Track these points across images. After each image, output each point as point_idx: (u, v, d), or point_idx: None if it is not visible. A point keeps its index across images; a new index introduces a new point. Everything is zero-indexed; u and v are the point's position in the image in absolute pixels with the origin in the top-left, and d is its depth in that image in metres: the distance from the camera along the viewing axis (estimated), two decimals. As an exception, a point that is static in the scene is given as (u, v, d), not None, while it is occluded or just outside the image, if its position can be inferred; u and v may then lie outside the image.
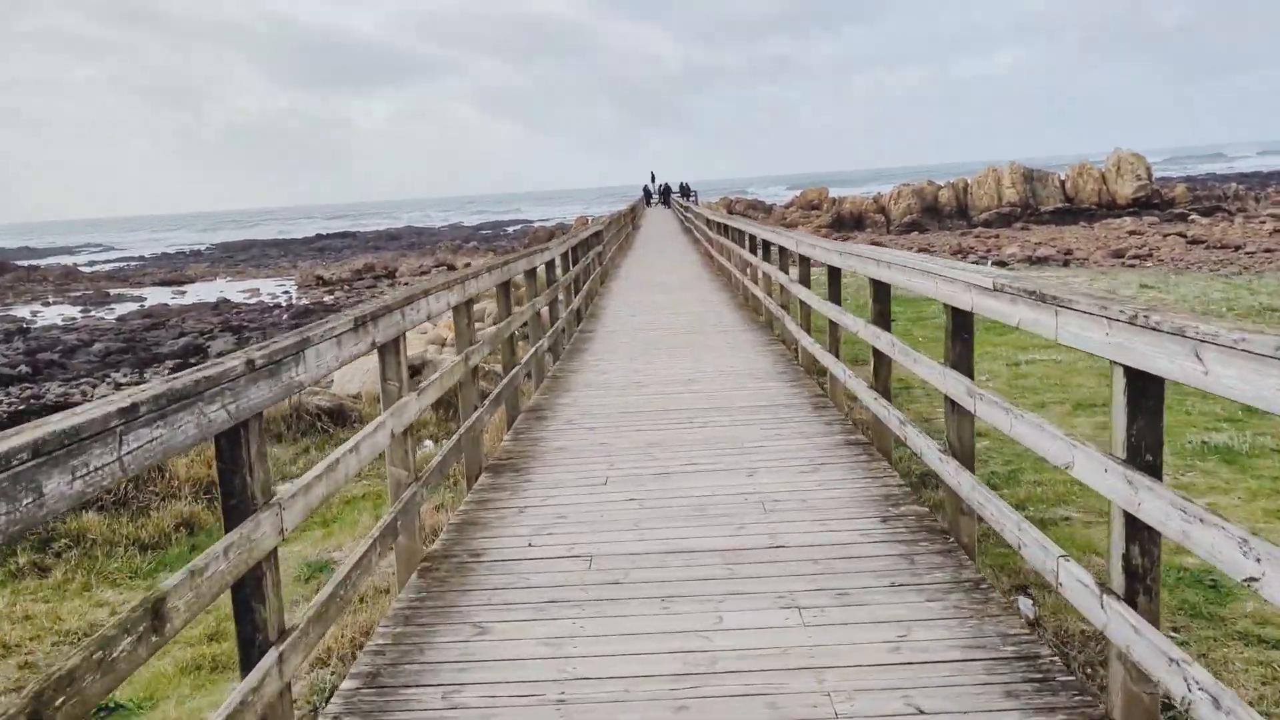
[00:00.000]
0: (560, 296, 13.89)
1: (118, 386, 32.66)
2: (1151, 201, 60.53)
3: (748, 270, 17.57)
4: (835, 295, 9.22)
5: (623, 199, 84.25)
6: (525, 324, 10.85)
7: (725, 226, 20.79)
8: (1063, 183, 61.96)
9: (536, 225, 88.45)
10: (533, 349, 10.73)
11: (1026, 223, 59.48)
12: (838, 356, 9.20)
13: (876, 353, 7.62)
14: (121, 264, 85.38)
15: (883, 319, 7.48)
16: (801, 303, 11.10)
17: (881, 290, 7.55)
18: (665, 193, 73.45)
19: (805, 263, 10.94)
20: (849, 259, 8.35)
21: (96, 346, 40.26)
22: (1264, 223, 52.90)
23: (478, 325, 15.14)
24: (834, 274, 9.16)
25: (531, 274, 11.18)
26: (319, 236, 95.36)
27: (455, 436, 7.11)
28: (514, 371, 9.28)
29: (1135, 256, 44.83)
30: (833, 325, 9.25)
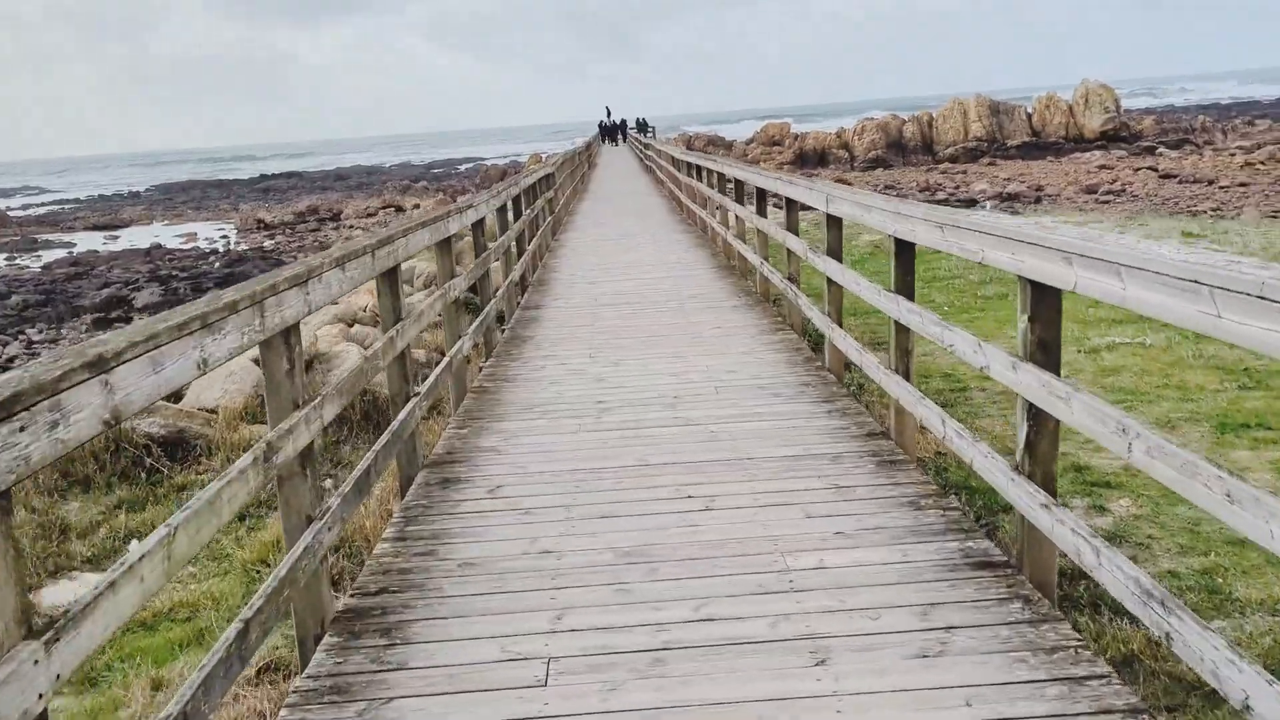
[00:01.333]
0: (496, 263, 10.36)
1: (30, 345, 28.90)
2: (1119, 135, 57.53)
3: (729, 221, 14.11)
4: (907, 284, 5.76)
5: (578, 135, 79.53)
6: (436, 320, 7.35)
7: (697, 168, 17.24)
8: (1029, 116, 58.72)
9: (489, 164, 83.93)
10: (446, 359, 7.21)
11: (993, 157, 56.31)
12: (908, 378, 5.79)
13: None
14: (56, 207, 79.86)
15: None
16: (830, 285, 7.63)
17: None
18: (622, 129, 69.22)
19: (837, 224, 7.45)
20: (914, 224, 4.98)
21: (14, 299, 36.35)
22: (1234, 155, 50.30)
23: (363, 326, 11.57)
24: (903, 247, 5.70)
25: (445, 245, 7.63)
26: (263, 177, 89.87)
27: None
28: (405, 412, 5.77)
29: (1109, 193, 42.04)
30: (899, 330, 5.81)
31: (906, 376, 5.75)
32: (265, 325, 3.67)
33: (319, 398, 4.17)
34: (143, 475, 7.53)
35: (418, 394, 6.06)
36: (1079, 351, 9.66)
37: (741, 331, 9.42)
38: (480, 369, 8.91)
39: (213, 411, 8.68)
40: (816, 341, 9.45)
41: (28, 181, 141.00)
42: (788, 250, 9.34)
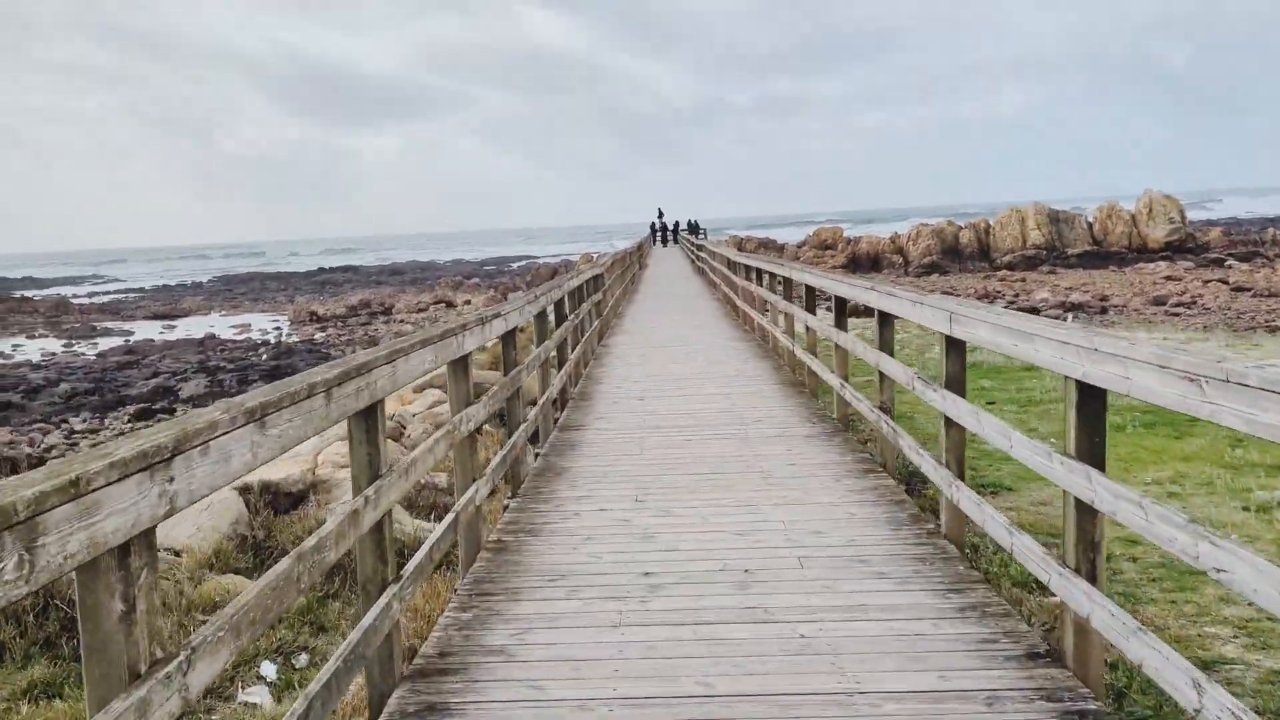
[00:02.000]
0: (531, 375, 8.73)
1: (71, 435, 27.86)
2: (1185, 246, 55.45)
3: (794, 330, 12.43)
4: (1096, 449, 3.92)
5: (628, 235, 78.89)
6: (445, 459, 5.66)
7: (757, 271, 15.64)
8: (1090, 225, 56.96)
9: (541, 262, 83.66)
10: (452, 513, 5.48)
11: (1053, 266, 54.48)
12: (1094, 581, 3.91)
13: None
14: (119, 295, 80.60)
15: None
16: (949, 426, 5.75)
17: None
18: (674, 230, 68.46)
19: (960, 348, 5.66)
20: (1128, 367, 3.21)
21: (62, 386, 35.71)
22: (1307, 269, 48.14)
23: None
24: (1091, 395, 3.89)
25: (460, 366, 5.99)
26: (321, 270, 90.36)
27: None
28: (378, 609, 4.02)
29: (1178, 304, 39.92)
30: (1083, 513, 3.93)
31: (1094, 580, 3.89)
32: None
33: (182, 655, 2.44)
34: (68, 647, 5.84)
35: (399, 580, 4.32)
36: (1244, 508, 7.68)
37: (822, 471, 7.60)
38: (505, 506, 7.20)
39: (178, 554, 7.02)
40: (909, 480, 7.64)
41: (97, 271, 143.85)
42: (880, 374, 7.58)
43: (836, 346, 9.27)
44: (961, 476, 5.74)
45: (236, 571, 6.81)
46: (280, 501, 7.78)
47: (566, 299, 12.44)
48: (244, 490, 7.65)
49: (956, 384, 5.74)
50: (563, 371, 10.72)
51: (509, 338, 7.76)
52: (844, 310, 9.26)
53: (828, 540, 5.93)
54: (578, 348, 12.48)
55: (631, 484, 7.44)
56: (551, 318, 10.57)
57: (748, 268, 17.03)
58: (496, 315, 6.89)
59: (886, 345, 7.54)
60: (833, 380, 9.30)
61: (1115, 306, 41.29)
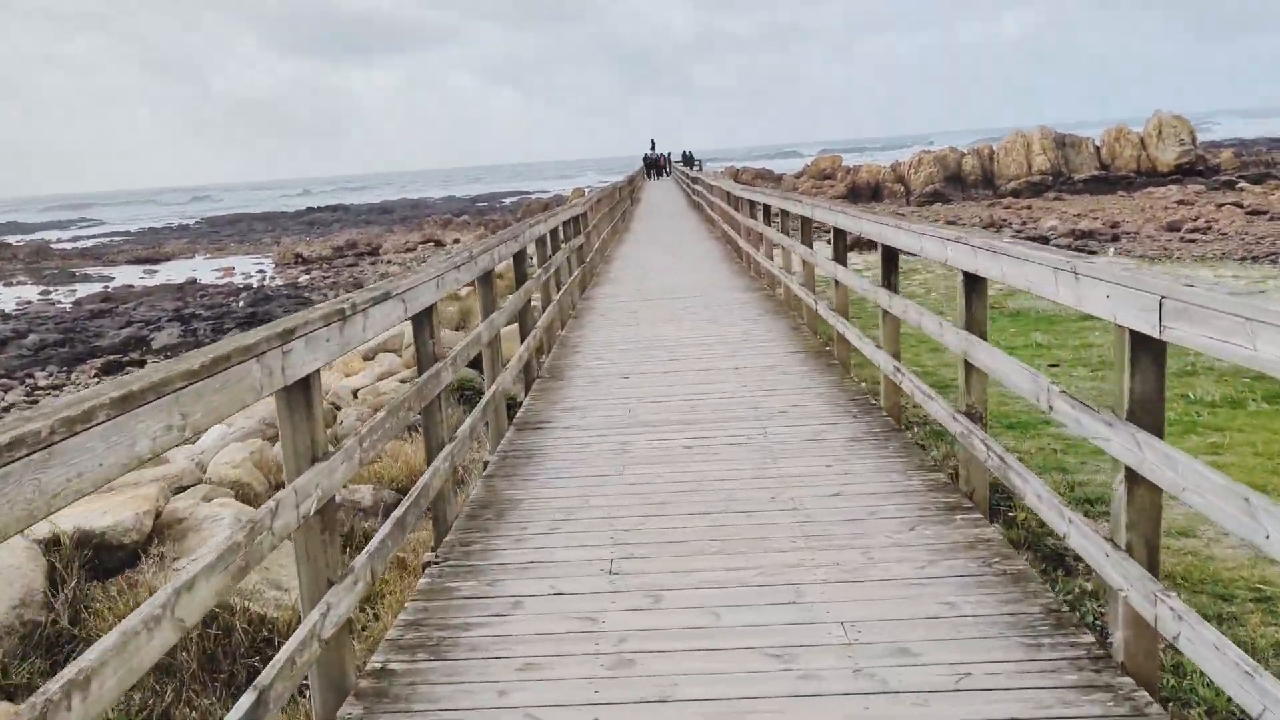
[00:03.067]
0: (453, 375, 6.17)
1: (33, 391, 25.45)
2: (1195, 168, 52.48)
3: (813, 281, 9.84)
4: None
5: (623, 168, 75.32)
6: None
7: (764, 208, 12.93)
8: (1098, 149, 53.90)
9: (534, 197, 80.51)
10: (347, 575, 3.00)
11: (1059, 192, 51.56)
12: None
13: None
14: (104, 240, 77.53)
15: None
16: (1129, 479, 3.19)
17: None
18: (666, 162, 65.19)
19: (1156, 357, 3.14)
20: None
21: (31, 338, 33.23)
22: (1323, 191, 45.35)
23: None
24: None
25: (298, 394, 3.46)
26: (310, 210, 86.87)
27: None
28: None
29: (1193, 230, 37.18)
30: None
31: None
32: None
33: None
34: None
35: None
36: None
37: (884, 509, 5.04)
38: (425, 565, 4.74)
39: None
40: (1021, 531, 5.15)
41: (85, 214, 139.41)
42: (967, 367, 5.02)
43: (886, 314, 6.67)
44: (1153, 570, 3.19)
45: (10, 696, 4.35)
46: (106, 559, 5.29)
47: (536, 246, 9.80)
48: (51, 544, 5.15)
49: (1151, 418, 3.19)
50: (525, 345, 8.12)
51: (424, 319, 5.18)
52: (894, 264, 6.67)
53: (924, 672, 3.42)
54: (548, 310, 9.87)
55: (604, 536, 4.90)
56: (512, 270, 7.98)
57: (752, 204, 14.31)
58: (385, 296, 4.30)
59: (977, 324, 4.97)
60: (881, 360, 6.72)
61: (1128, 234, 38.66)
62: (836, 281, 8.49)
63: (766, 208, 12.97)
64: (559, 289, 11.59)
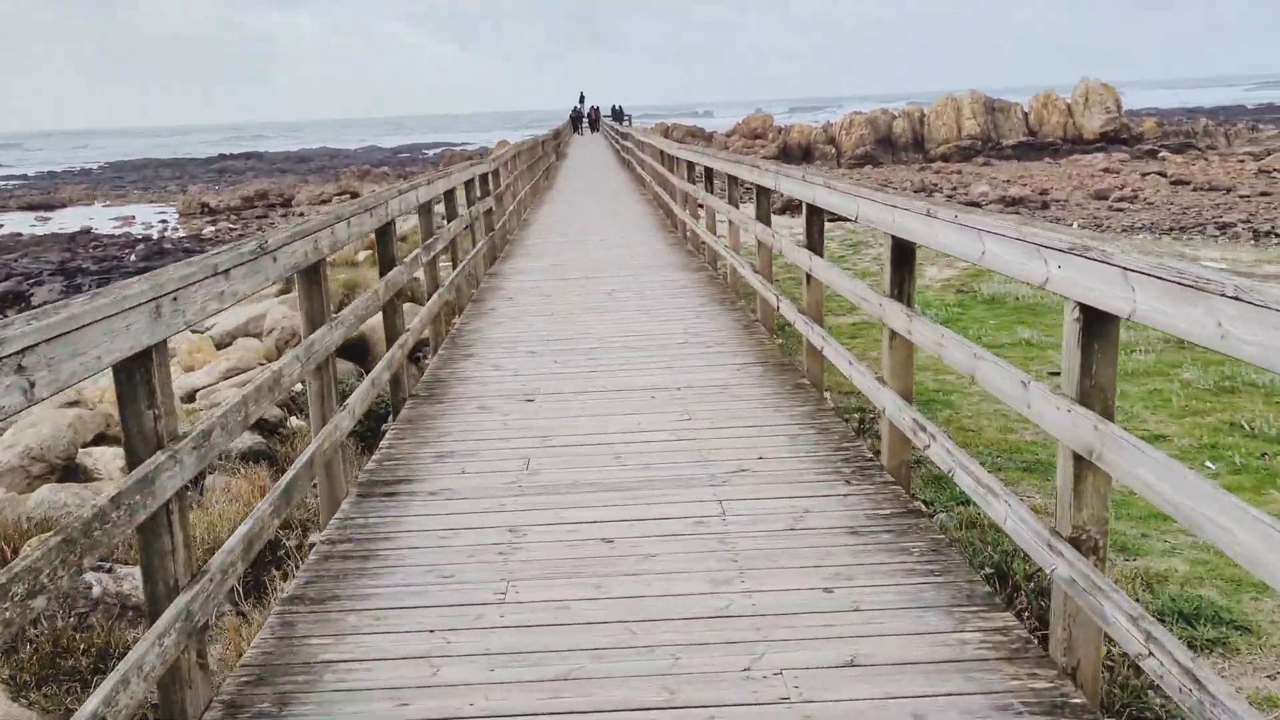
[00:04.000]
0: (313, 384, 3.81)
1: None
2: (1120, 136, 51.63)
3: (769, 268, 7.64)
4: None
5: (553, 122, 71.71)
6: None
7: (706, 171, 10.64)
8: (1026, 115, 52.69)
9: (458, 149, 76.95)
10: None
11: (988, 157, 50.28)
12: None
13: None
14: (-2, 183, 71.98)
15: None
16: None
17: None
18: (595, 117, 62.18)
19: None
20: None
21: (-98, 285, 29.74)
22: (1242, 161, 44.74)
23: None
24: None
25: None
26: (221, 157, 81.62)
27: None
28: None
29: (1120, 199, 36.11)
30: None
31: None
32: None
33: None
34: None
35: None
36: None
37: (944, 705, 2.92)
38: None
39: None
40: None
41: None
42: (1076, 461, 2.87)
43: (894, 337, 4.49)
44: None
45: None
46: None
47: (420, 215, 7.37)
48: None
49: None
50: (380, 370, 5.73)
51: (136, 379, 2.84)
52: (908, 265, 4.48)
53: None
54: (432, 300, 7.47)
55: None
56: (378, 260, 5.59)
57: (691, 165, 12.01)
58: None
59: (1099, 381, 2.82)
60: (888, 401, 4.53)
61: (1057, 201, 37.54)
62: (809, 276, 6.27)
63: (709, 171, 10.68)
64: (457, 264, 9.19)
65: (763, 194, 7.78)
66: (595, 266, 11.40)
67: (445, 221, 8.83)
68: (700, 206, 11.87)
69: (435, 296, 7.52)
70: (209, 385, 8.75)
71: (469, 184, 10.68)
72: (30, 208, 54.81)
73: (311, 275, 4.51)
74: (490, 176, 13.00)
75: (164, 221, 47.73)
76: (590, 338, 7.88)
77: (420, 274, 7.74)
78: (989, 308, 10.97)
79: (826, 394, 6.41)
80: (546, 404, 6.18)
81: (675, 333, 7.91)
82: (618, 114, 61.14)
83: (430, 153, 79.73)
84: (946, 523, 4.68)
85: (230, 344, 10.40)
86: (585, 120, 61.28)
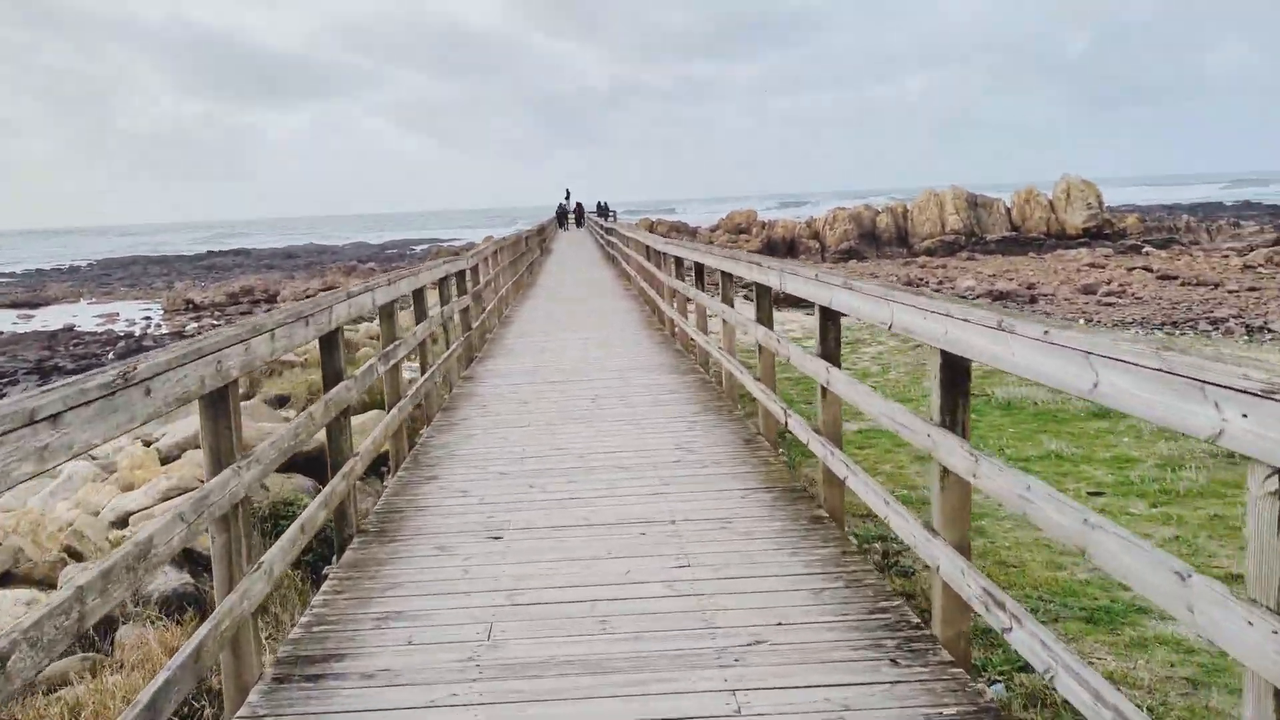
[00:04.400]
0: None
1: None
2: (1103, 232, 51.76)
3: (771, 375, 6.66)
4: None
5: (540, 218, 71.72)
6: None
7: (697, 268, 9.78)
8: (1009, 210, 52.86)
9: (445, 244, 76.91)
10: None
11: (972, 252, 50.17)
12: None
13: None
14: (-17, 281, 71.25)
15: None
16: None
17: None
18: (579, 212, 62.21)
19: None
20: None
21: None
22: (1226, 257, 44.66)
23: None
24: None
25: None
26: (210, 254, 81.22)
27: None
28: None
29: (1109, 294, 35.73)
30: None
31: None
32: None
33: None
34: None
35: None
36: None
37: None
38: None
39: None
40: None
41: None
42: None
43: (946, 474, 3.53)
44: None
45: None
46: None
47: (380, 320, 6.44)
48: None
49: None
50: (313, 509, 4.68)
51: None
52: (960, 382, 3.55)
53: None
54: (388, 418, 6.48)
55: None
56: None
57: (679, 261, 11.17)
58: None
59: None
60: (944, 561, 3.54)
61: (1044, 295, 37.18)
62: (825, 390, 5.32)
63: (699, 267, 9.83)
64: (427, 369, 8.23)
65: (764, 293, 6.89)
66: (578, 369, 10.45)
67: (415, 322, 7.90)
68: (689, 303, 11.02)
69: (395, 410, 6.53)
70: (143, 508, 7.67)
71: (442, 282, 9.79)
72: (14, 305, 54.00)
73: (217, 404, 3.54)
74: (470, 273, 12.16)
75: (148, 318, 47.10)
76: (570, 454, 6.87)
77: (383, 389, 6.78)
78: (1006, 413, 10.05)
79: (847, 532, 5.41)
80: (517, 542, 5.14)
81: (666, 448, 6.92)
82: (603, 210, 61.20)
83: (418, 248, 79.63)
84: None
85: (179, 456, 9.35)
86: (571, 215, 61.28)
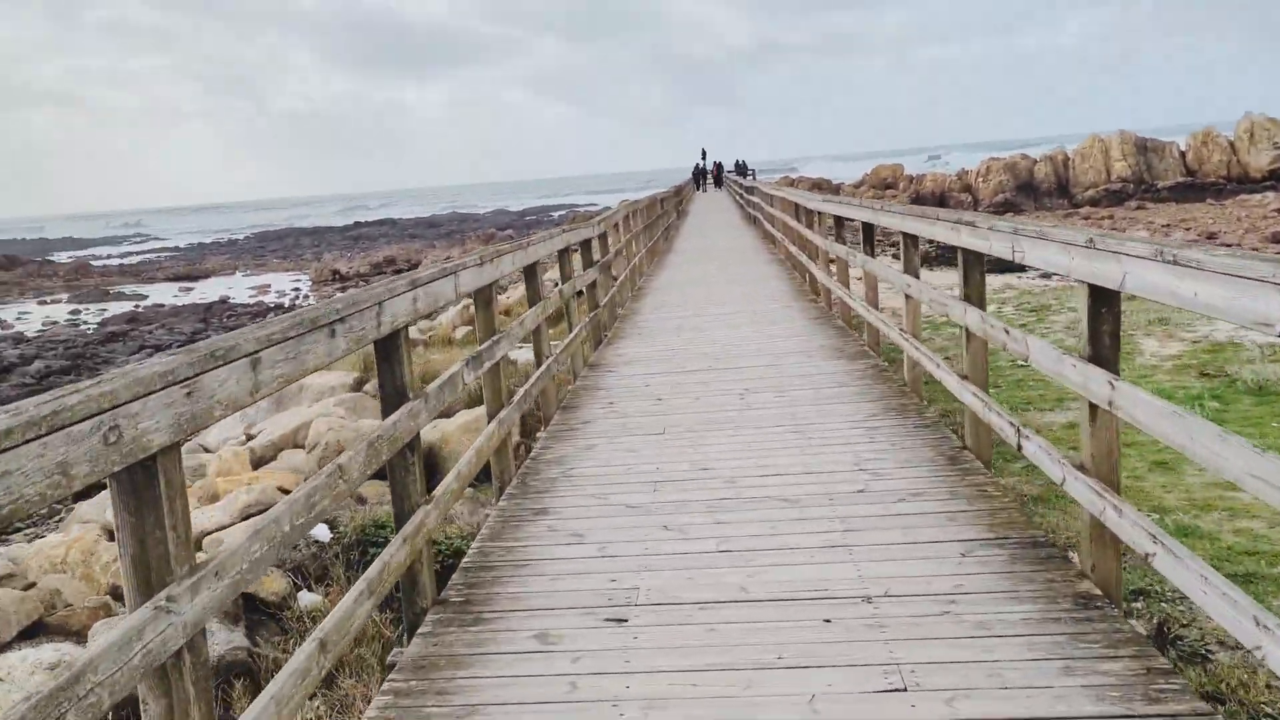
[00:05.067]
0: None
1: None
2: (1292, 173, 46.42)
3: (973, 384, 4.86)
4: None
5: (677, 180, 69.79)
6: None
7: (865, 229, 7.96)
8: (1183, 154, 47.98)
9: (583, 208, 76.16)
10: None
11: (1142, 200, 45.75)
12: None
13: None
14: (151, 255, 74.61)
15: None
16: None
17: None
18: (717, 172, 60.03)
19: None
20: None
21: (36, 364, 29.77)
22: None
23: None
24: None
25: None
26: (356, 224, 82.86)
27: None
28: None
29: (1305, 242, 31.56)
30: None
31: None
32: None
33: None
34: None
35: None
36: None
37: None
38: None
39: None
40: None
41: (141, 229, 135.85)
42: None
43: None
44: None
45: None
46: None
47: (477, 307, 4.99)
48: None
49: None
50: (353, 592, 3.25)
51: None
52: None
53: None
54: (491, 426, 5.01)
55: None
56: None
57: (840, 220, 9.32)
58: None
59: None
60: None
61: (1228, 245, 33.31)
62: (1096, 409, 3.52)
63: (868, 228, 7.99)
64: (541, 360, 6.74)
65: (973, 263, 5.06)
66: (722, 353, 8.78)
67: (523, 314, 6.42)
68: (851, 270, 9.20)
69: (494, 424, 5.05)
70: (221, 527, 6.48)
71: (564, 253, 8.27)
72: (176, 278, 56.10)
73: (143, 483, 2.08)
74: (598, 241, 10.65)
75: (297, 289, 48.11)
76: (717, 477, 5.26)
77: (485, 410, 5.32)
78: (1260, 400, 7.88)
79: (1129, 608, 3.62)
80: (647, 630, 3.58)
81: (843, 468, 5.22)
82: (741, 169, 58.83)
83: (557, 214, 79.22)
84: None
85: (274, 458, 8.20)
86: (708, 176, 59.19)
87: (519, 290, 15.36)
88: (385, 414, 3.75)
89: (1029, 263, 4.05)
